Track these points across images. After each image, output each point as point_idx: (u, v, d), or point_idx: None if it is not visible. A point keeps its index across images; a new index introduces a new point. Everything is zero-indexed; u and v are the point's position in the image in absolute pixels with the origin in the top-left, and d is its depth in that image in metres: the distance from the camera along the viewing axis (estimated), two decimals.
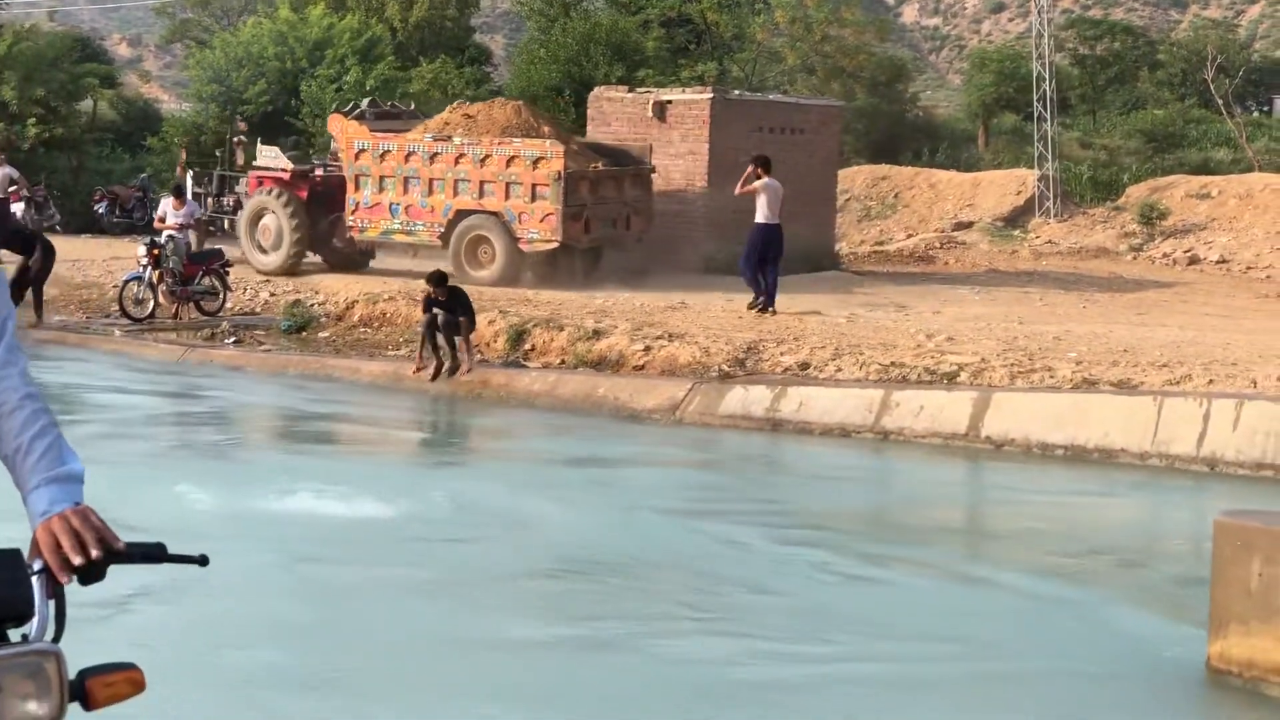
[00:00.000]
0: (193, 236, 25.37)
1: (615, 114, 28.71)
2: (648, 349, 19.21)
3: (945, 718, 8.22)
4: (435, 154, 27.08)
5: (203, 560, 3.18)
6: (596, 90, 30.33)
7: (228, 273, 24.74)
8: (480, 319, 20.33)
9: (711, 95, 28.48)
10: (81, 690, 2.91)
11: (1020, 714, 8.31)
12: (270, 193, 28.24)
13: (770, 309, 22.21)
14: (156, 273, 24.12)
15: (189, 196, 29.45)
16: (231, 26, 53.05)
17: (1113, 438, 15.11)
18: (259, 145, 30.40)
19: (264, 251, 28.14)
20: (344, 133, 28.30)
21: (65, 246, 31.29)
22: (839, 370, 17.68)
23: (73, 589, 2.96)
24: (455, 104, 29.82)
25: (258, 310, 25.02)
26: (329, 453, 16.24)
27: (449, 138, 27.19)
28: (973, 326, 20.93)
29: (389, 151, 27.45)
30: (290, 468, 14.81)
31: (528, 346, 20.35)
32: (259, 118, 39.29)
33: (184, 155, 33.97)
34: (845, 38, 48.71)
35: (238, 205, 29.99)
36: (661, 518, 12.62)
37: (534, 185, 26.14)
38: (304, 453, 16.13)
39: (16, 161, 33.47)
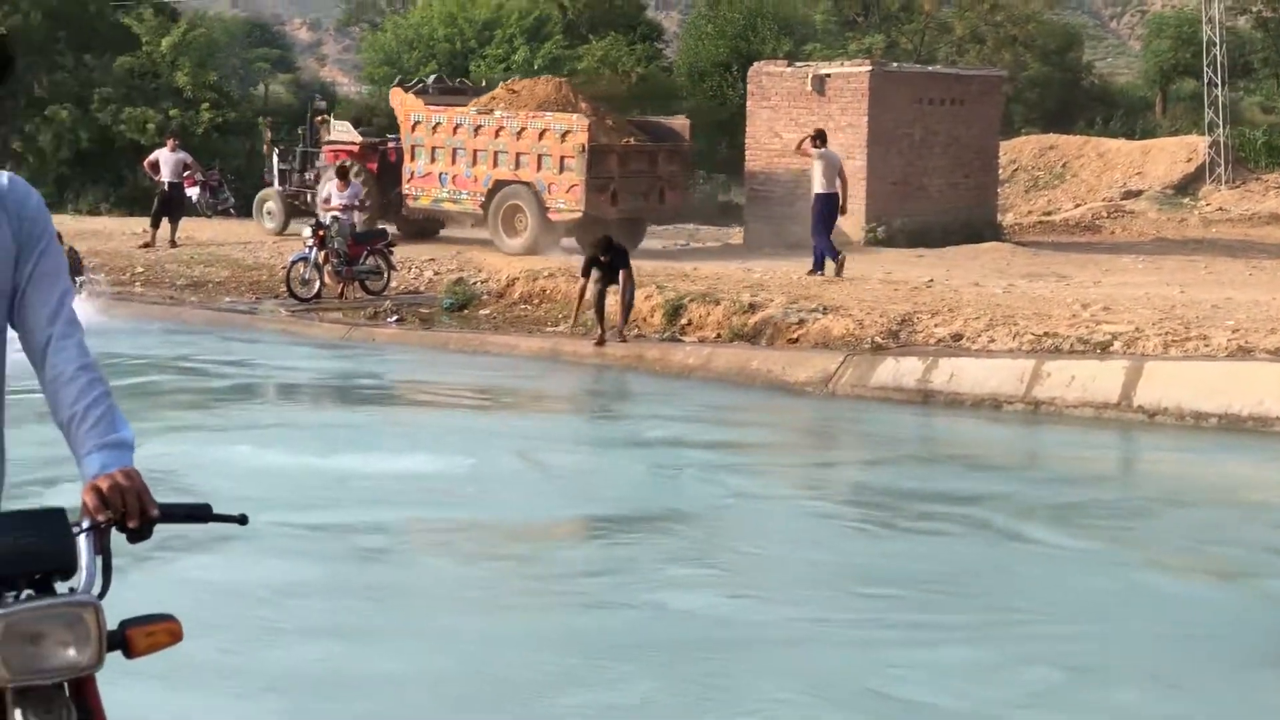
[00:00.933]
0: (357, 217, 25.77)
1: (774, 88, 28.72)
2: (801, 322, 19.24)
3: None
4: (479, 126, 28.77)
5: (242, 519, 3.41)
6: (756, 65, 30.38)
7: (391, 252, 25.18)
8: (638, 294, 20.53)
9: (870, 68, 28.41)
10: (123, 639, 3.10)
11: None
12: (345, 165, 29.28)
13: (819, 271, 23.13)
14: (322, 254, 24.59)
15: (286, 173, 32.22)
16: (404, 9, 53.81)
17: (1268, 406, 14.86)
18: (332, 120, 32.46)
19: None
20: (402, 105, 30.13)
21: (239, 229, 32.18)
22: (992, 341, 17.57)
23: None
24: (509, 80, 31.71)
25: (421, 289, 25.42)
26: (476, 423, 16.46)
27: (491, 111, 28.90)
28: (1132, 296, 20.66)
29: (439, 124, 29.21)
30: (433, 433, 15.06)
31: (684, 321, 20.47)
32: None
33: (269, 134, 35.01)
34: (1015, 6, 48.15)
35: (318, 179, 31.17)
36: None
37: (562, 157, 27.69)
38: (451, 422, 16.35)
39: (190, 146, 34.30)
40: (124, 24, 39.08)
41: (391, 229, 28.90)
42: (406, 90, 30.67)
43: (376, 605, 9.20)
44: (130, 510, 3.16)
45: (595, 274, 20.11)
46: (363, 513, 11.42)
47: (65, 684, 3.04)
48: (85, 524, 3.17)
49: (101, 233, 31.05)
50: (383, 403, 18.22)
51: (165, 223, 29.95)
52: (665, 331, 20.29)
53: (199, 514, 3.35)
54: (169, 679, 6.81)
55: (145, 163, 30.70)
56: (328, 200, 26.17)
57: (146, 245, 29.65)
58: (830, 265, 23.18)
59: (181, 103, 38.14)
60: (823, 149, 23.77)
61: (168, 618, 3.18)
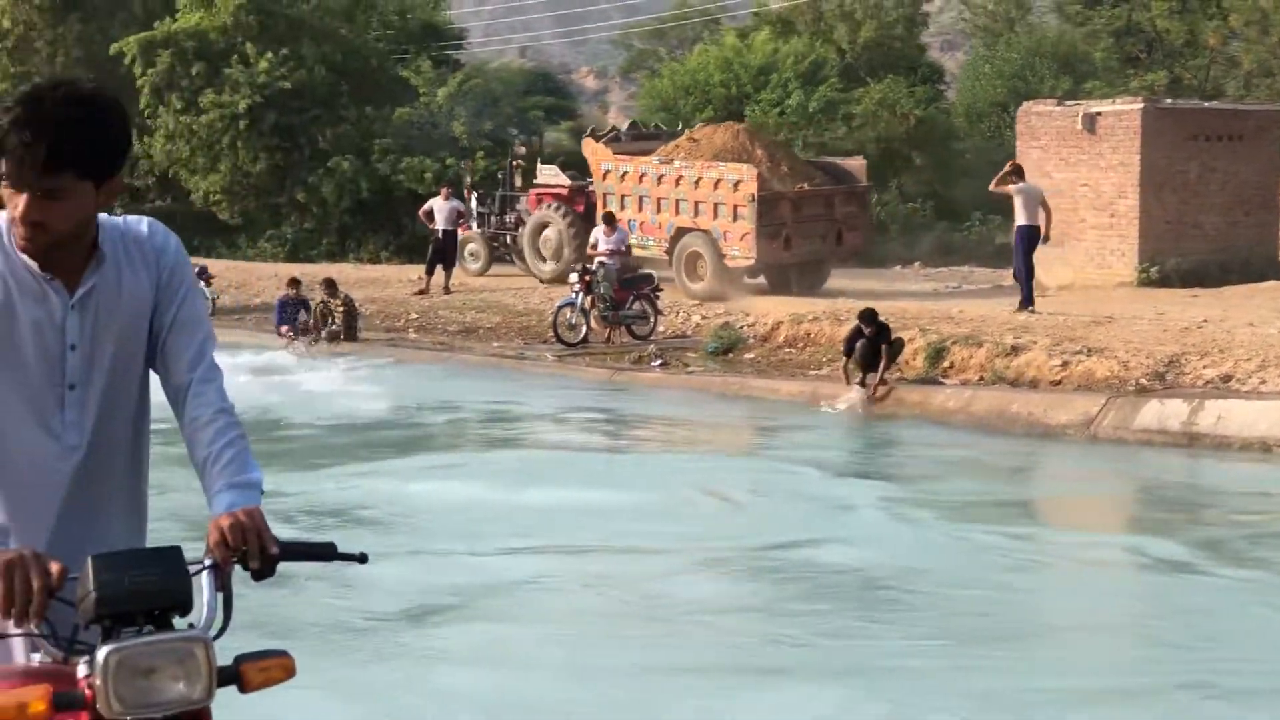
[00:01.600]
0: (621, 262, 26.15)
1: (1044, 128, 28.37)
2: (1065, 364, 18.96)
3: None
4: (661, 175, 29.82)
5: (362, 558, 3.51)
6: (1025, 105, 30.07)
7: (658, 297, 25.48)
8: (901, 337, 20.47)
9: (1142, 105, 27.85)
10: (237, 674, 3.21)
11: None
12: (551, 207, 31.91)
13: (1030, 307, 23.38)
14: (589, 299, 25.04)
15: (485, 216, 33.79)
16: (682, 55, 54.44)
17: None
18: (539, 165, 33.76)
19: (544, 260, 31.96)
20: (593, 155, 31.50)
21: (511, 276, 32.87)
22: (1263, 383, 17.08)
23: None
24: (695, 128, 32.35)
25: (688, 333, 25.67)
26: (722, 465, 16.57)
27: (671, 161, 29.98)
28: None
29: (627, 173, 30.45)
30: (675, 473, 15.21)
31: (946, 364, 20.33)
32: None
33: (468, 178, 36.25)
34: None
35: (518, 222, 33.27)
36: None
37: (735, 206, 28.49)
38: (690, 462, 16.48)
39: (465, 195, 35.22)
40: (403, 76, 40.38)
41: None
42: (598, 140, 31.92)
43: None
44: (251, 548, 3.28)
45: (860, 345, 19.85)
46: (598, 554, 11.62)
47: (181, 717, 3.13)
48: (206, 561, 3.30)
49: (379, 280, 32.06)
50: (632, 442, 18.44)
51: (440, 270, 30.80)
52: (927, 373, 20.15)
53: (321, 553, 3.48)
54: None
55: (420, 211, 31.65)
56: (594, 246, 26.60)
57: (421, 292, 30.53)
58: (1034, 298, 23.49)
59: (457, 152, 39.14)
60: (1021, 183, 23.86)
61: (281, 654, 3.27)
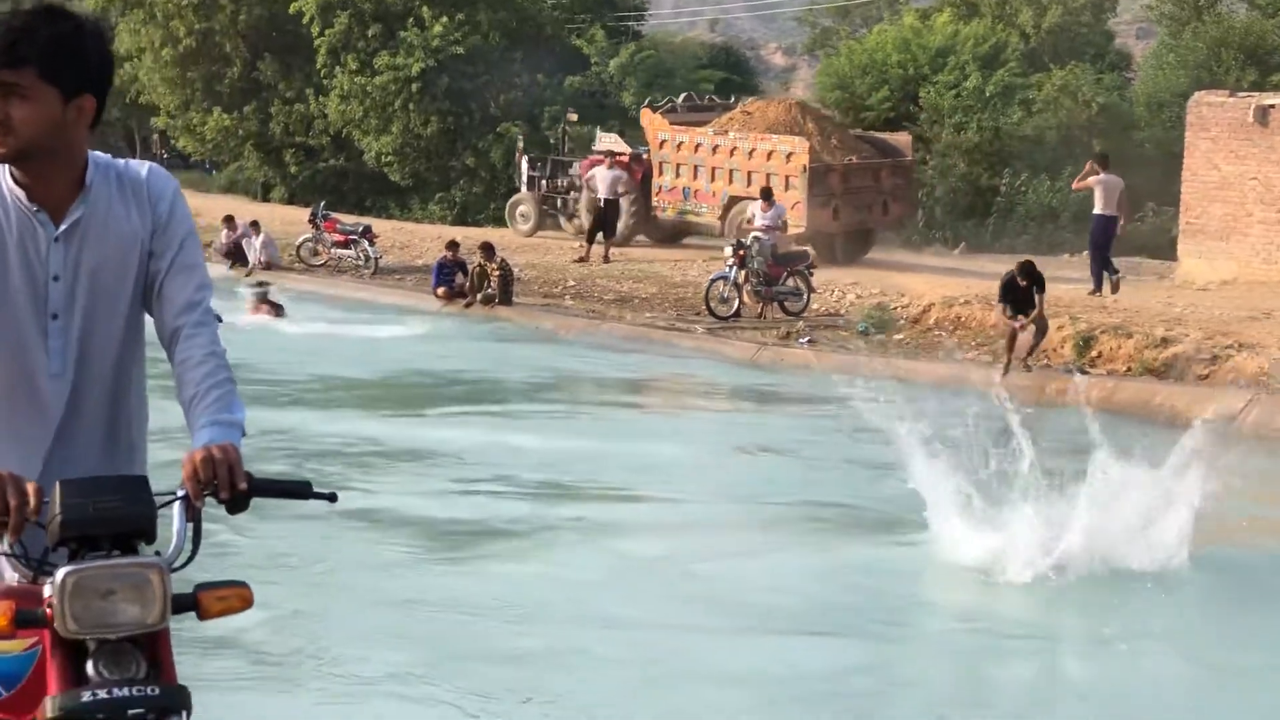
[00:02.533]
0: (778, 239, 26.26)
1: (1215, 119, 27.91)
2: (1214, 358, 18.81)
3: None
4: (716, 146, 31.78)
5: (332, 497, 3.68)
6: (1196, 95, 29.60)
7: (812, 274, 25.57)
8: (1050, 324, 20.42)
9: None
10: (194, 601, 3.37)
11: None
12: (610, 173, 32.51)
13: (1098, 292, 24.40)
14: (742, 273, 25.21)
15: (535, 179, 35.77)
16: (862, 34, 54.29)
17: None
18: (598, 132, 35.93)
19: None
20: (651, 125, 33.43)
21: (672, 247, 33.09)
22: None
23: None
24: (746, 102, 34.75)
25: (841, 312, 25.74)
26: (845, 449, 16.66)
27: (726, 132, 31.88)
28: None
29: (683, 143, 32.41)
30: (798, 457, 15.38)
31: (1094, 353, 20.25)
32: (880, 123, 40.12)
33: (521, 143, 38.37)
34: None
35: (570, 187, 35.32)
36: None
37: (787, 176, 30.43)
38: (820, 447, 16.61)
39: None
40: (576, 45, 40.82)
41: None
42: (655, 111, 33.73)
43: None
44: (221, 482, 3.40)
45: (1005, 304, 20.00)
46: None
47: (138, 639, 3.26)
48: (180, 493, 3.44)
49: (540, 247, 32.48)
50: (731, 421, 18.53)
51: (600, 238, 31.15)
52: (1075, 362, 20.09)
53: (293, 490, 3.59)
54: None
55: (584, 179, 32.02)
56: (751, 221, 26.75)
57: (581, 260, 30.89)
58: (1107, 284, 24.25)
59: (626, 121, 39.50)
60: (1103, 175, 24.78)
61: (240, 584, 3.42)
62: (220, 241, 32.73)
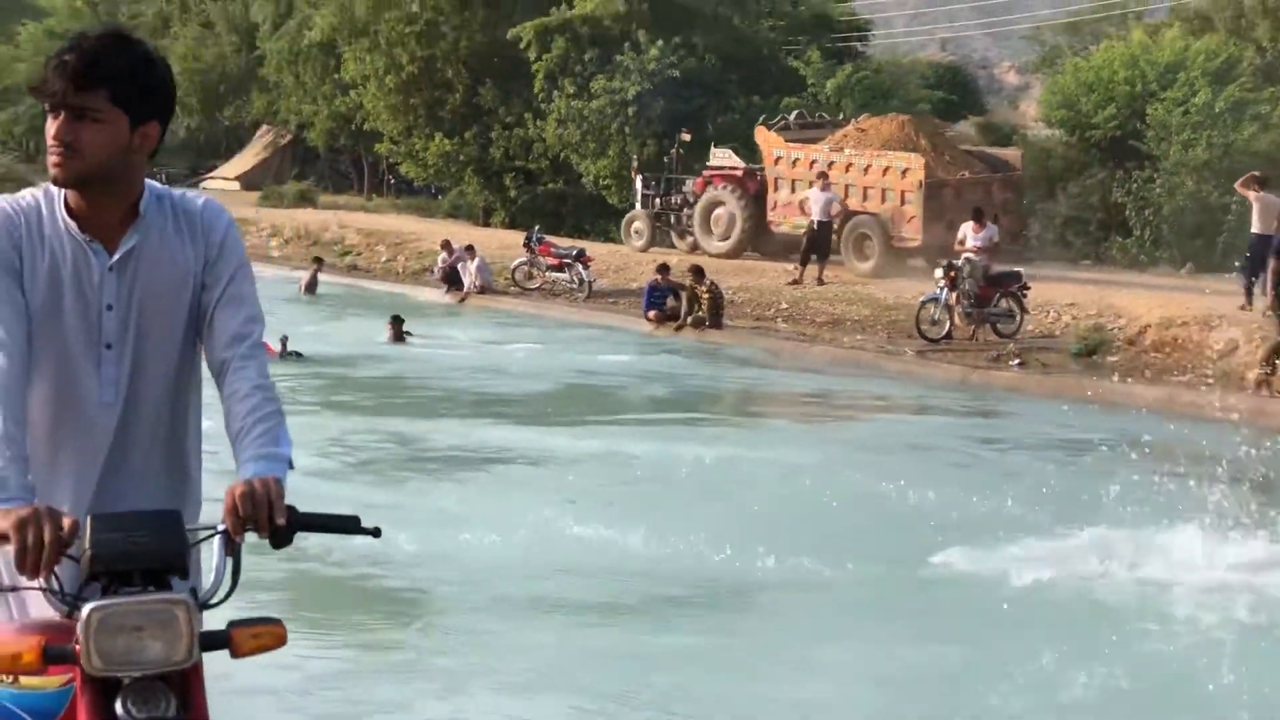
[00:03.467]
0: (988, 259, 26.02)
1: None
2: None
3: None
4: (831, 162, 32.63)
5: (376, 533, 3.62)
6: None
7: (1025, 295, 25.30)
8: None
9: None
10: (227, 638, 3.31)
11: None
12: (724, 188, 34.85)
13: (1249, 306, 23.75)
14: (954, 295, 25.05)
15: (649, 197, 37.02)
16: (1089, 51, 53.40)
17: None
18: (712, 148, 36.53)
19: (715, 238, 34.87)
20: (765, 142, 34.57)
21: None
22: None
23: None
24: (860, 118, 35.29)
25: (1056, 333, 25.46)
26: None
27: (841, 149, 33.08)
28: None
29: (798, 159, 33.52)
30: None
31: None
32: (1107, 142, 39.45)
33: (636, 161, 39.94)
34: None
35: (683, 203, 36.52)
36: None
37: (902, 191, 31.62)
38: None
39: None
40: (792, 67, 40.86)
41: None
42: (769, 128, 34.81)
43: None
44: (259, 517, 3.35)
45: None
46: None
47: (169, 677, 3.22)
48: (219, 527, 3.41)
49: (754, 269, 32.57)
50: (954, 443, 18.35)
51: (813, 261, 31.14)
52: None
53: (338, 525, 3.54)
54: None
55: (798, 201, 32.07)
56: (963, 241, 26.56)
57: (795, 282, 30.91)
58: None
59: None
60: (1261, 193, 24.96)
61: (274, 621, 3.37)
62: (438, 265, 33.40)
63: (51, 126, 3.61)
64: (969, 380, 22.42)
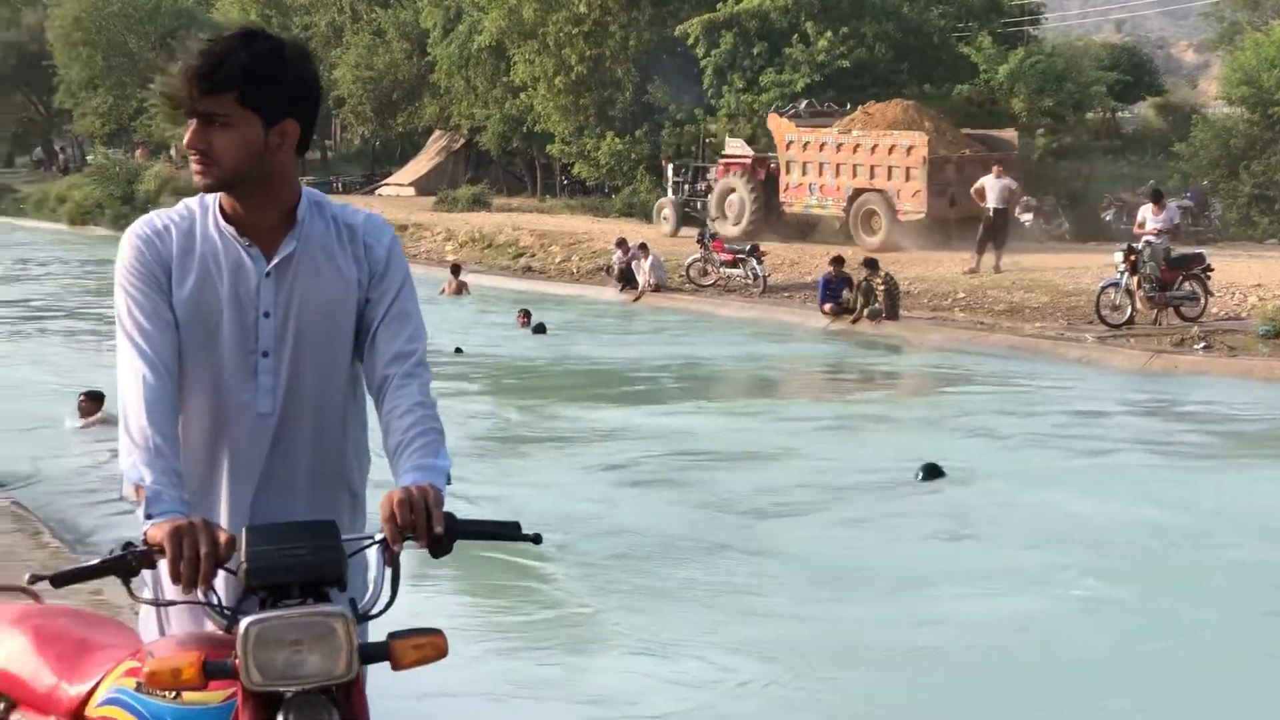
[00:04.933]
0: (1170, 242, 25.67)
1: None
2: None
3: None
4: (840, 144, 35.82)
5: (536, 539, 3.54)
6: None
7: (1209, 277, 24.94)
8: None
9: None
10: (387, 651, 3.25)
11: None
12: (737, 175, 38.13)
13: None
14: (1134, 279, 24.75)
15: (679, 184, 40.54)
16: (1266, 26, 52.37)
17: None
18: (727, 138, 39.88)
19: (729, 221, 37.71)
20: (778, 128, 37.54)
21: (1066, 255, 32.63)
22: None
23: None
24: (865, 105, 37.82)
25: (1243, 315, 25.07)
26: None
27: (849, 131, 35.89)
28: None
29: (808, 143, 36.52)
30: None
31: None
32: None
33: (668, 151, 43.41)
34: None
35: (708, 190, 39.59)
36: None
37: (908, 168, 34.46)
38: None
39: (1027, 171, 35.26)
40: (963, 53, 40.55)
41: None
42: (781, 116, 37.87)
43: None
44: (419, 525, 3.32)
45: None
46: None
47: (331, 690, 3.19)
48: (376, 537, 3.40)
49: (929, 260, 32.42)
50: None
51: (990, 249, 30.93)
52: None
53: (499, 531, 3.52)
54: None
55: (972, 190, 31.86)
56: (1142, 224, 26.21)
57: (971, 271, 30.73)
58: None
59: (1017, 129, 39.13)
60: None
61: (435, 632, 3.29)
62: (612, 264, 33.64)
63: (188, 134, 3.61)
64: (1151, 365, 22.14)
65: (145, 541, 3.29)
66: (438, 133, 61.30)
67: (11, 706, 3.78)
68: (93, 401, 17.63)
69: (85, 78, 74.64)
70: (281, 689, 3.14)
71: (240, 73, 3.55)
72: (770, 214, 37.58)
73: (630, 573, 11.02)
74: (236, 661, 3.12)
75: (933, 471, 14.17)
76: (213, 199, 3.71)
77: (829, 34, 40.90)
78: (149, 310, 3.60)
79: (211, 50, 3.57)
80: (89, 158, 74.49)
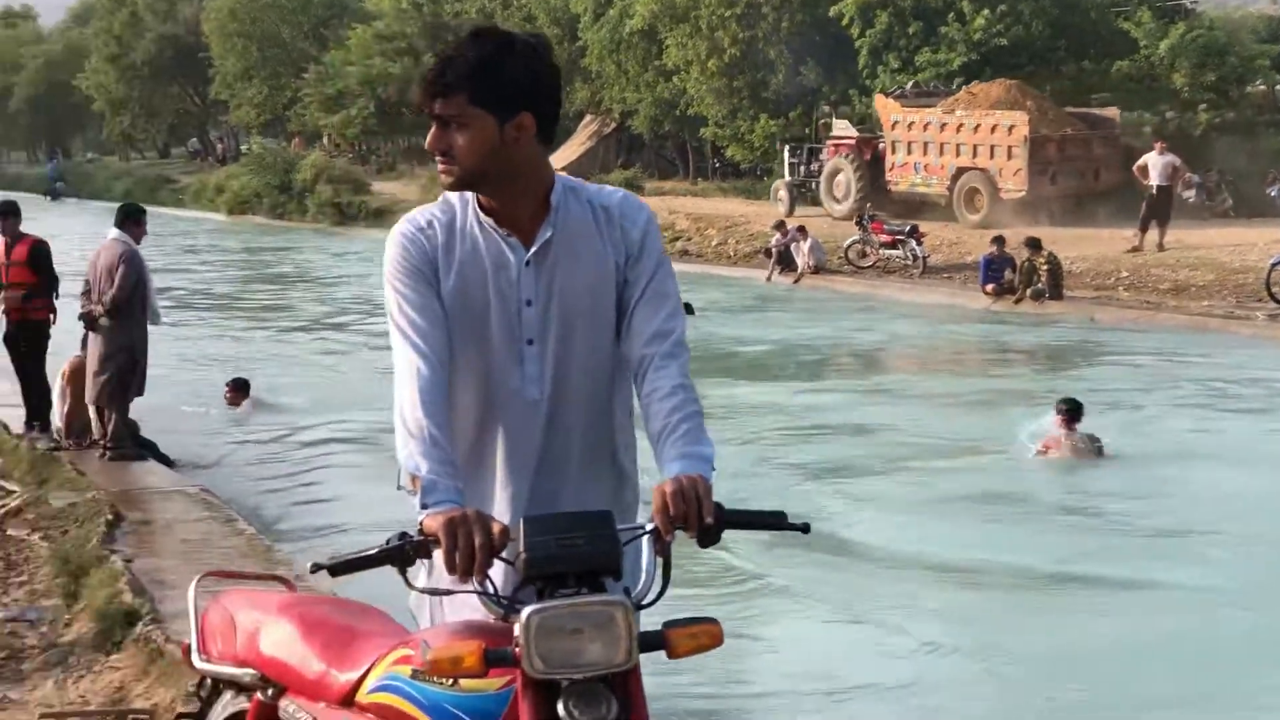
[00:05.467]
0: None
1: None
2: None
3: None
4: (944, 124, 36.55)
5: (805, 528, 3.60)
6: None
7: None
8: None
9: None
10: (663, 639, 3.32)
11: None
12: (844, 156, 39.23)
13: None
14: None
15: (794, 165, 41.65)
16: None
17: None
18: (833, 120, 41.36)
19: (837, 201, 39.22)
20: (884, 109, 38.55)
21: (1231, 232, 32.29)
22: None
23: None
24: (969, 86, 38.27)
25: None
26: None
27: (953, 111, 36.56)
28: None
29: (913, 123, 37.33)
30: None
31: None
32: None
33: (782, 133, 44.89)
34: None
35: (820, 170, 40.65)
36: None
37: (1009, 147, 34.96)
38: None
39: (1189, 147, 34.87)
40: (1123, 29, 40.09)
41: None
42: (887, 97, 38.77)
43: None
44: (690, 515, 3.36)
45: None
46: None
47: (609, 678, 3.25)
48: (647, 526, 3.45)
49: (1090, 238, 32.21)
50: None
51: (1153, 226, 30.69)
52: None
53: (766, 521, 3.58)
54: None
55: (1135, 167, 31.63)
56: None
57: (1135, 249, 30.53)
58: None
59: (1178, 105, 38.71)
60: None
61: (710, 621, 3.35)
62: (771, 246, 33.77)
63: (429, 138, 3.73)
64: None
65: (421, 531, 3.37)
66: (589, 117, 61.60)
67: (280, 692, 3.94)
68: (238, 391, 18.31)
69: (240, 69, 76.03)
70: (562, 677, 3.21)
71: (468, 73, 3.64)
72: (876, 194, 38.35)
73: (810, 549, 11.19)
74: (517, 650, 3.20)
75: (1073, 407, 14.36)
76: (471, 194, 3.81)
77: (986, 12, 40.61)
78: (419, 305, 3.69)
79: (442, 54, 3.70)
80: (243, 148, 75.77)
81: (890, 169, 38.23)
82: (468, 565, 3.26)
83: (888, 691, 8.51)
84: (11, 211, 15.34)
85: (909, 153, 37.63)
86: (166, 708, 6.64)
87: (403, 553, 3.37)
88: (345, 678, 3.71)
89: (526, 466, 3.79)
